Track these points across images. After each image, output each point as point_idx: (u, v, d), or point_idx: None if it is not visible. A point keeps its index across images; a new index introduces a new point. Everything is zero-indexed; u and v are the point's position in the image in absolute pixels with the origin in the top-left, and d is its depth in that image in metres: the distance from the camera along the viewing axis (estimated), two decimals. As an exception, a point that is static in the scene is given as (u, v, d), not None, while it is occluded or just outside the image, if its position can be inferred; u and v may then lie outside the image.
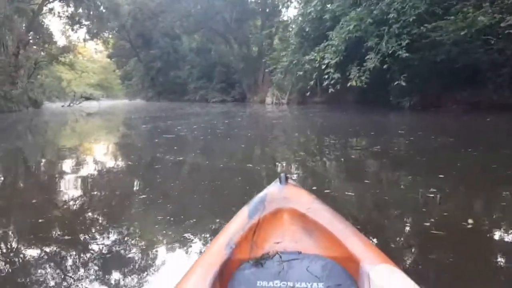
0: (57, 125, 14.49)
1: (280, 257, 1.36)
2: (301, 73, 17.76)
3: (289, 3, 29.93)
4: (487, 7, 11.33)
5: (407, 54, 12.71)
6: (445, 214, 2.78)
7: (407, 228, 2.67)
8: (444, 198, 3.14)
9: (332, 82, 14.02)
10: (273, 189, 1.65)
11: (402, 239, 2.49)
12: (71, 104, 31.30)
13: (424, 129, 9.10)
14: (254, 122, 12.71)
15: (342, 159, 5.51)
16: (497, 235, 2.49)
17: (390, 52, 13.02)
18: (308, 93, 19.57)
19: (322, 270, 1.30)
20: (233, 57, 34.33)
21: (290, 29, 22.10)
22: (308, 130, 10.14)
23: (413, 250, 2.29)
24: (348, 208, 3.08)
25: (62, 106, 30.58)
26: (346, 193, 3.54)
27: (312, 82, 17.03)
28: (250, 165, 4.97)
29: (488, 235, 2.45)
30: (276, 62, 23.29)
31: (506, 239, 2.43)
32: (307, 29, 18.15)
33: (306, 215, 1.50)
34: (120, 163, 5.87)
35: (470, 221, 2.55)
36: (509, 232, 2.56)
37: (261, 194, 1.63)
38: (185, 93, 39.22)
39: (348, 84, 13.92)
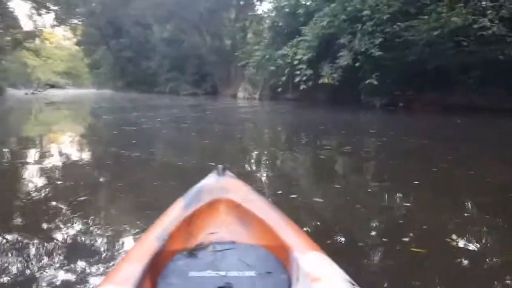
0: (9, 114, 13.56)
1: (214, 247, 1.35)
2: (273, 68, 17.42)
3: (263, -3, 29.52)
4: (461, 8, 11.27)
5: (380, 53, 12.56)
6: (424, 227, 2.45)
7: (381, 245, 2.30)
8: (420, 208, 2.83)
9: (304, 78, 13.75)
10: (210, 180, 1.67)
11: (376, 258, 2.12)
12: (35, 92, 29.80)
13: (396, 129, 8.91)
14: (223, 117, 12.23)
15: (312, 160, 5.16)
16: (474, 248, 2.18)
17: (363, 50, 12.84)
18: (280, 89, 19.21)
19: (254, 259, 1.30)
20: (205, 49, 33.48)
21: (264, 23, 21.69)
22: (278, 127, 9.78)
23: (389, 271, 1.94)
24: (316, 217, 2.71)
25: (26, 93, 29.10)
26: (315, 199, 3.17)
27: (284, 78, 16.72)
28: (212, 164, 4.52)
29: (469, 251, 2.12)
30: (249, 56, 22.85)
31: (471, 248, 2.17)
32: (280, 24, 17.81)
33: (242, 205, 1.51)
34: (68, 157, 5.26)
35: (453, 236, 2.24)
36: (476, 241, 2.27)
37: (197, 185, 1.63)
38: (155, 84, 38.06)
39: (320, 81, 13.68)
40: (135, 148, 5.50)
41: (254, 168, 4.56)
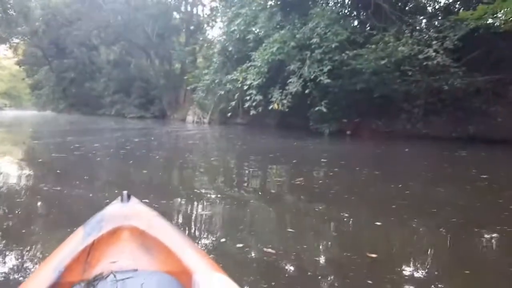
0: None
1: (115, 276, 1.29)
2: (222, 92, 16.89)
3: (214, 22, 29.22)
4: (408, 37, 11.40)
5: (328, 80, 12.40)
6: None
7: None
8: (388, 258, 2.31)
9: (254, 104, 13.29)
10: (113, 207, 1.62)
11: None
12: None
13: (346, 158, 8.58)
14: (168, 142, 11.44)
15: (262, 195, 4.56)
16: None
17: (312, 77, 12.64)
18: (230, 114, 18.64)
19: (156, 285, 1.27)
20: (153, 72, 32.48)
21: (214, 48, 21.23)
22: (226, 154, 9.16)
23: None
24: (268, 273, 2.12)
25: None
26: (265, 249, 2.58)
27: (233, 103, 16.23)
28: (146, 201, 3.80)
29: None
30: (198, 80, 22.23)
31: None
32: (230, 49, 17.41)
33: (146, 232, 1.47)
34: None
35: None
36: None
37: (99, 213, 1.58)
38: (100, 106, 36.30)
39: (270, 107, 13.27)
40: (59, 181, 4.68)
41: (190, 207, 3.89)
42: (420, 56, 11.61)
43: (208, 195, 4.44)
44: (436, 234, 3.18)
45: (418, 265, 2.52)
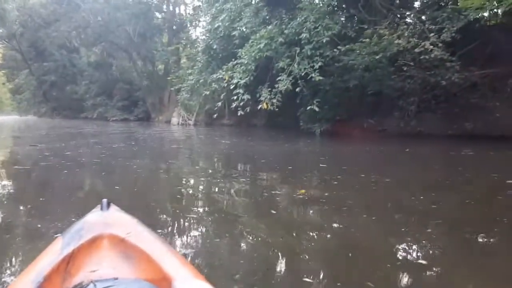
0: None
1: (95, 285, 1.26)
2: (208, 93, 15.86)
3: (197, 22, 28.08)
4: (404, 29, 10.58)
5: (320, 77, 11.50)
6: None
7: None
8: None
9: (242, 104, 12.30)
10: (93, 216, 1.57)
11: None
12: None
13: (346, 162, 7.68)
14: (150, 147, 10.39)
15: (260, 218, 3.61)
16: None
17: (302, 74, 11.74)
18: (216, 115, 17.55)
19: None
20: (136, 73, 31.18)
21: (198, 47, 20.17)
22: (213, 161, 8.16)
23: None
24: None
25: None
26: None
27: (220, 103, 15.22)
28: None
29: None
30: (182, 80, 21.15)
31: None
32: (214, 47, 16.38)
33: (126, 240, 1.44)
34: None
35: None
36: None
37: (78, 222, 1.53)
38: (82, 109, 34.87)
39: (259, 107, 12.31)
40: (4, 206, 3.65)
41: (176, 234, 2.92)
42: (416, 50, 10.81)
43: (190, 221, 3.46)
44: None
45: None
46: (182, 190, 4.72)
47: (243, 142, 11.82)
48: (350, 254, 2.63)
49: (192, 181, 5.41)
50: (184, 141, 12.61)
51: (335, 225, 3.24)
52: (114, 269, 1.36)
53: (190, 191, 4.77)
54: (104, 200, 1.63)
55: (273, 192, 4.61)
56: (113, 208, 1.65)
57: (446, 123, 13.15)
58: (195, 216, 3.61)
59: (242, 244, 2.84)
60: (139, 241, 1.43)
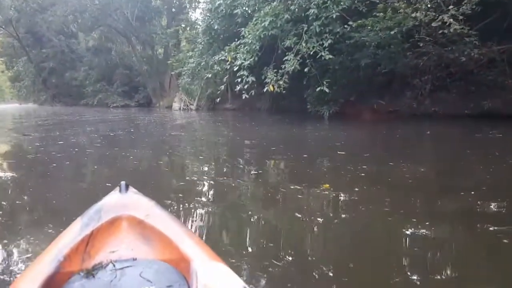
0: None
1: (114, 265, 1.27)
2: (210, 75, 14.95)
3: (196, 3, 26.92)
4: (421, 2, 9.63)
5: (330, 56, 10.60)
6: None
7: None
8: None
9: (246, 86, 11.42)
10: (112, 198, 1.57)
11: None
12: None
13: (366, 147, 6.87)
14: (149, 135, 9.59)
15: (281, 223, 2.85)
16: None
17: (311, 53, 10.83)
18: (219, 99, 16.61)
19: (155, 273, 1.23)
20: (135, 58, 30.15)
21: (198, 27, 19.17)
22: (217, 149, 7.36)
23: None
24: None
25: None
26: None
27: (222, 87, 14.34)
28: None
29: None
30: (183, 64, 20.22)
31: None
32: (216, 27, 15.39)
33: (144, 221, 1.44)
34: None
35: None
36: None
37: (97, 204, 1.52)
38: (82, 96, 33.94)
39: (265, 89, 11.43)
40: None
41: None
42: (433, 24, 9.89)
43: (194, 230, 2.71)
44: None
45: None
46: (180, 194, 3.95)
47: (248, 128, 11.01)
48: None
49: (193, 178, 4.63)
50: (186, 128, 11.82)
51: (380, 234, 2.47)
52: (133, 250, 1.36)
53: (191, 193, 4.00)
54: (123, 183, 1.61)
55: (291, 186, 3.83)
56: (132, 190, 1.64)
57: (462, 102, 12.31)
58: (198, 225, 2.85)
59: (270, 268, 2.09)
60: (157, 223, 1.42)
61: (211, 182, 4.22)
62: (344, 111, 13.61)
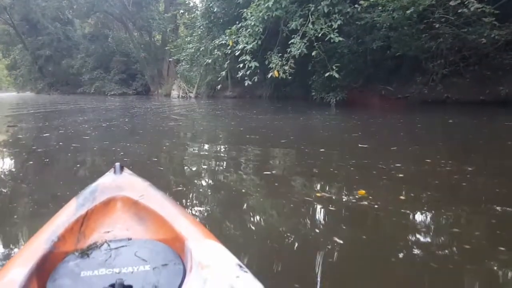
0: None
1: (109, 245, 1.22)
2: (209, 61, 14.00)
3: (195, -13, 25.77)
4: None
5: (340, 38, 9.68)
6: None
7: None
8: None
9: (249, 72, 10.51)
10: (106, 179, 1.54)
11: None
12: None
13: (390, 140, 5.95)
14: (145, 125, 8.70)
15: (312, 255, 2.01)
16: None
17: (319, 35, 9.90)
18: (220, 86, 15.61)
19: (150, 253, 1.18)
20: (133, 45, 29.03)
21: (196, 11, 18.13)
22: (219, 142, 6.48)
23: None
24: None
25: None
26: None
27: (223, 73, 13.41)
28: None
29: None
30: (181, 50, 19.23)
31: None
32: (215, 10, 14.40)
33: (139, 202, 1.42)
34: None
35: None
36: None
37: (92, 185, 1.49)
38: (79, 84, 32.90)
39: (269, 75, 10.53)
40: None
41: None
42: (452, 3, 9.00)
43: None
44: None
45: None
46: (181, 192, 3.11)
47: (251, 116, 10.12)
48: None
49: (193, 180, 3.79)
50: (184, 117, 10.92)
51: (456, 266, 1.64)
52: (128, 230, 1.33)
53: (190, 194, 3.16)
54: (117, 164, 1.59)
55: (318, 194, 2.99)
56: (126, 171, 1.62)
57: (477, 88, 11.48)
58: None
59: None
60: (152, 203, 1.40)
61: (217, 194, 3.38)
62: (351, 98, 12.74)
